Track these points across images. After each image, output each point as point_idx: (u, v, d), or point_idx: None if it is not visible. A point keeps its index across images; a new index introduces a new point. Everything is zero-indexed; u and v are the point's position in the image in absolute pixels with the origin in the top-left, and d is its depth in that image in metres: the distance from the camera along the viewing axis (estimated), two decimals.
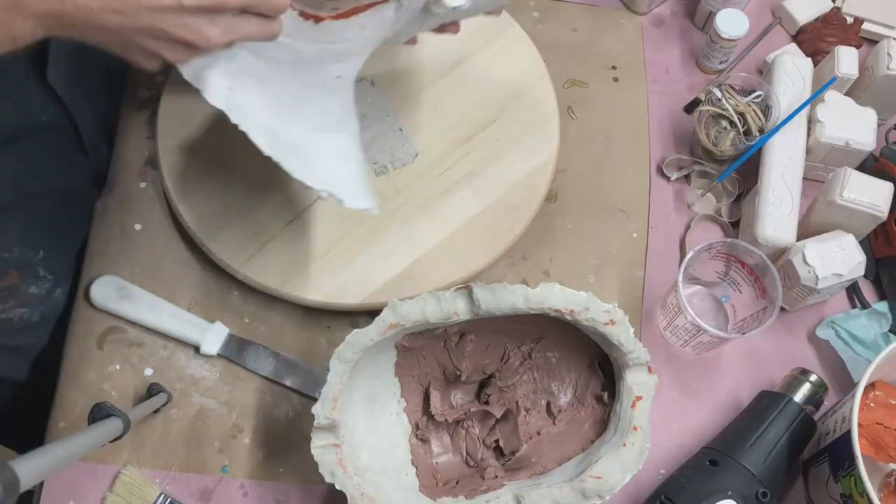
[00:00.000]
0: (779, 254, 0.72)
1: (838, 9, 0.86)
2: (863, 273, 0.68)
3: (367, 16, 0.57)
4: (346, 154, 0.56)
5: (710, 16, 0.85)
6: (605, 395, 0.65)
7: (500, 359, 0.67)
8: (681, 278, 0.65)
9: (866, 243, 0.75)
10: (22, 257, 0.69)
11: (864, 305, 0.74)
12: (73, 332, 0.70)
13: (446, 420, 0.66)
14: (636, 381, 0.60)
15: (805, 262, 0.67)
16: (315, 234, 0.71)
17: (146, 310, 0.69)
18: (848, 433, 0.57)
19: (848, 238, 0.68)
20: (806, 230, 0.72)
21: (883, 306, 0.73)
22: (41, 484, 0.64)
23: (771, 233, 0.70)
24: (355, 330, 0.58)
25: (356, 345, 0.58)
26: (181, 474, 0.65)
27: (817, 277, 0.66)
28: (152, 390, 0.66)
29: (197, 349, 0.69)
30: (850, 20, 0.85)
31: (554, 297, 0.58)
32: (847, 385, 0.71)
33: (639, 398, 0.60)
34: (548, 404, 0.67)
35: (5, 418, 0.79)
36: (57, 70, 0.65)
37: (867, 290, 0.75)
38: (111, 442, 0.57)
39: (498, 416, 0.66)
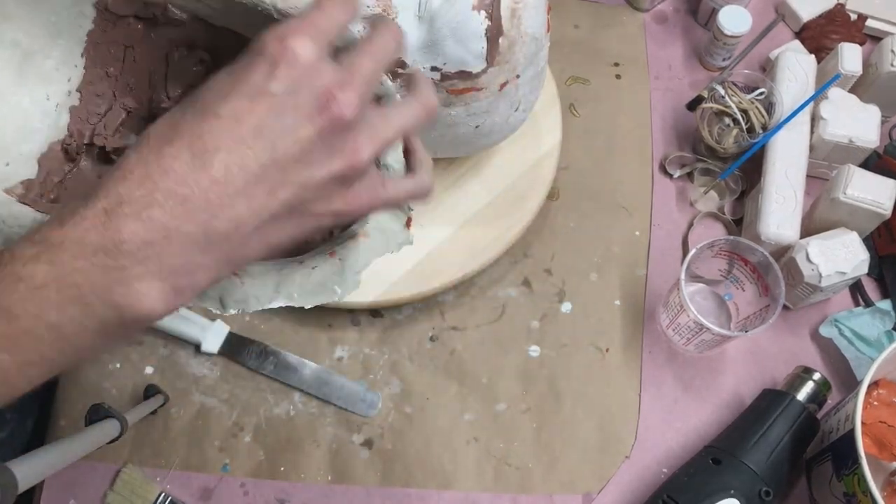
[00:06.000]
0: (782, 251, 0.71)
1: (842, 5, 0.86)
2: (866, 271, 0.68)
3: None
4: None
5: (713, 12, 0.84)
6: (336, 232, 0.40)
7: None
8: (683, 276, 0.64)
9: (870, 241, 0.74)
10: None
11: (868, 303, 0.74)
12: None
13: (108, 149, 0.48)
14: (377, 224, 0.39)
15: (808, 259, 0.67)
16: None
17: None
18: (851, 432, 0.57)
19: (851, 236, 0.68)
20: (809, 228, 0.71)
21: (887, 304, 0.73)
22: (41, 482, 0.64)
23: (774, 230, 0.70)
24: None
25: None
26: (182, 473, 0.65)
27: (820, 275, 0.66)
28: (149, 391, 0.65)
29: (197, 347, 0.69)
30: (853, 17, 0.85)
31: None
32: (850, 383, 0.70)
33: (364, 236, 0.37)
34: None
35: None
36: None
37: (871, 288, 0.75)
38: (109, 443, 0.57)
39: None
